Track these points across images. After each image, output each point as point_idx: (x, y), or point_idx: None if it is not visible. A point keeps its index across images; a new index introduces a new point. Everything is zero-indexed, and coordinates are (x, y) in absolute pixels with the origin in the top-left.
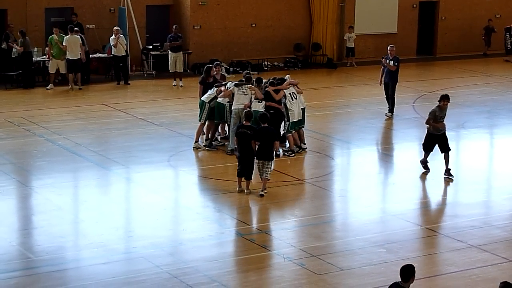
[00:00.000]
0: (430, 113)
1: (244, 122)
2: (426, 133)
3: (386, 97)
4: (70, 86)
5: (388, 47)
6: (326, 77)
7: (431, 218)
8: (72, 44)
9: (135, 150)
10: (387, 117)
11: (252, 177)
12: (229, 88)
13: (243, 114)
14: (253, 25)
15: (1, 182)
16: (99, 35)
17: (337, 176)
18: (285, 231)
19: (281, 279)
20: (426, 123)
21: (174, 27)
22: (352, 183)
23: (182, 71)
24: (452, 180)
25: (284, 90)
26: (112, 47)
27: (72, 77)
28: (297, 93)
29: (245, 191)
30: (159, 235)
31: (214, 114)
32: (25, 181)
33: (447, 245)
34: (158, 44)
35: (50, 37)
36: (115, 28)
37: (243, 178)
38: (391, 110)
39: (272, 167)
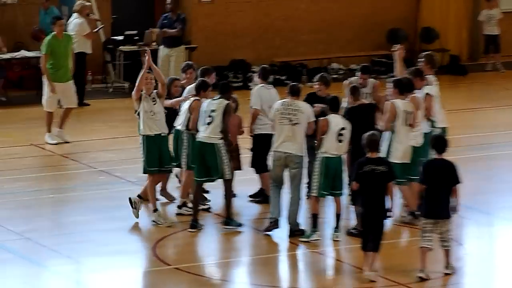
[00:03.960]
0: None
1: (369, 154)
2: None
3: None
4: None
5: None
6: (449, 89)
7: None
8: None
9: (92, 230)
10: None
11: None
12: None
13: (365, 139)
14: None
15: None
16: (24, 14)
17: (471, 275)
18: None
19: None
20: None
21: (168, 2)
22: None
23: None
24: None
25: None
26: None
27: None
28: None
29: (366, 272)
30: None
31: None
32: None
33: None
34: (135, 32)
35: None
36: (80, 3)
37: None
38: None
39: (452, 229)
